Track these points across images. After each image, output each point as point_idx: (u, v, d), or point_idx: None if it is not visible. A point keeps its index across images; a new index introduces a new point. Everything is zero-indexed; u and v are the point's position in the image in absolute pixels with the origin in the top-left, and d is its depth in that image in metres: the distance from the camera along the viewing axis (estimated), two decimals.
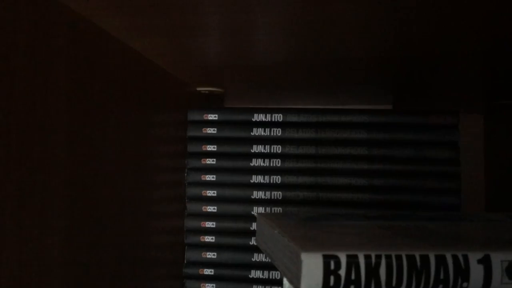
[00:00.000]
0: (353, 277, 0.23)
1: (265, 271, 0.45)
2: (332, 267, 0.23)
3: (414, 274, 0.24)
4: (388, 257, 0.24)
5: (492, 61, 0.34)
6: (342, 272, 0.23)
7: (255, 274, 0.45)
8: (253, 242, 0.45)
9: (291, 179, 0.45)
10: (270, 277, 0.44)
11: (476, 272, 0.24)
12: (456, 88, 0.45)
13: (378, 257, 0.24)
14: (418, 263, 0.24)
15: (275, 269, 0.44)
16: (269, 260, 0.45)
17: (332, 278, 0.23)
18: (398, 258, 0.24)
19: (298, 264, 0.24)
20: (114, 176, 0.30)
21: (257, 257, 0.45)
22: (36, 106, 0.22)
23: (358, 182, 0.44)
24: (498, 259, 0.24)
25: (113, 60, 0.29)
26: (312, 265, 0.23)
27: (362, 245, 0.25)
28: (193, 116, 0.47)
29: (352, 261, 0.24)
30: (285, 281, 0.29)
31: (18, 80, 0.21)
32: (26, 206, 0.21)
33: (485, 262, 0.24)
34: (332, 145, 0.44)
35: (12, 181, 0.20)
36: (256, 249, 0.45)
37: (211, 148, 0.46)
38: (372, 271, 0.23)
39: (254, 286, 0.45)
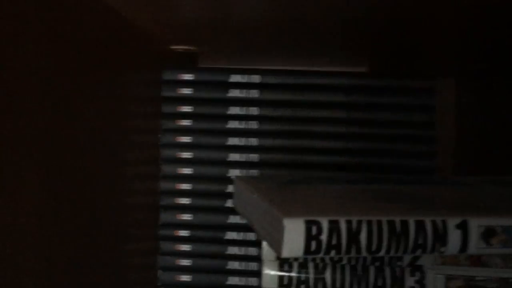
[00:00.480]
0: (334, 242, 0.23)
1: (240, 233, 0.45)
2: (314, 232, 0.23)
3: (394, 239, 0.24)
4: (369, 223, 0.24)
5: (464, 26, 0.34)
6: (324, 237, 0.23)
7: (231, 235, 0.45)
8: (228, 204, 0.45)
9: (268, 141, 0.44)
10: (246, 239, 0.45)
11: (454, 237, 0.24)
12: (429, 52, 0.45)
13: (359, 222, 0.24)
14: (398, 228, 0.24)
15: (250, 230, 0.45)
16: (246, 222, 0.45)
17: (313, 243, 0.23)
18: (379, 223, 0.24)
19: (280, 229, 0.24)
20: (87, 137, 0.28)
21: (233, 219, 0.45)
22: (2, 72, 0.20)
23: (336, 145, 0.44)
24: (475, 224, 0.24)
25: (83, 15, 0.28)
26: (294, 231, 0.23)
27: (343, 210, 0.25)
28: (168, 76, 0.45)
29: (334, 226, 0.24)
30: (264, 244, 0.29)
31: None
32: None
33: (463, 227, 0.24)
34: (310, 108, 0.44)
35: None
36: (231, 211, 0.45)
37: (186, 109, 0.45)
38: (353, 236, 0.24)
39: (229, 247, 0.45)
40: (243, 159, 0.45)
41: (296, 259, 0.29)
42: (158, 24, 0.38)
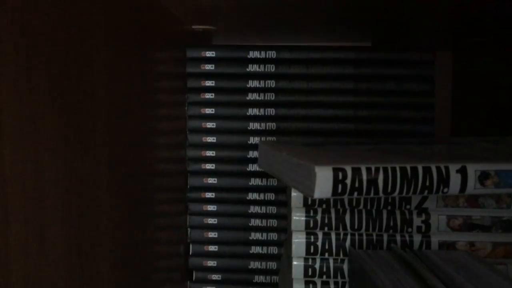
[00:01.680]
0: (356, 185, 0.28)
1: (261, 193, 0.50)
2: (340, 177, 0.28)
3: (406, 182, 0.29)
4: (385, 169, 0.29)
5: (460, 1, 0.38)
6: (348, 181, 0.28)
7: (252, 196, 0.50)
8: (250, 168, 0.50)
9: (284, 111, 0.49)
10: (266, 199, 0.50)
11: (455, 180, 0.29)
12: (428, 27, 0.50)
13: (377, 169, 0.29)
14: (409, 174, 0.29)
15: (270, 191, 0.50)
16: (265, 184, 0.50)
17: (340, 186, 0.28)
18: (393, 169, 0.29)
19: (312, 177, 0.28)
20: (124, 111, 0.33)
21: (254, 182, 0.50)
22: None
23: (345, 113, 0.49)
24: (472, 169, 0.29)
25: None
26: (324, 177, 0.28)
27: (362, 161, 0.30)
28: (192, 53, 0.50)
29: (356, 172, 0.28)
30: (293, 192, 0.33)
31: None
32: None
33: (462, 171, 0.29)
34: (321, 80, 0.49)
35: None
36: (253, 175, 0.50)
37: (209, 83, 0.50)
38: (372, 180, 0.28)
39: (251, 206, 0.50)
40: (262, 128, 0.49)
41: (320, 205, 0.34)
42: (182, 6, 0.42)
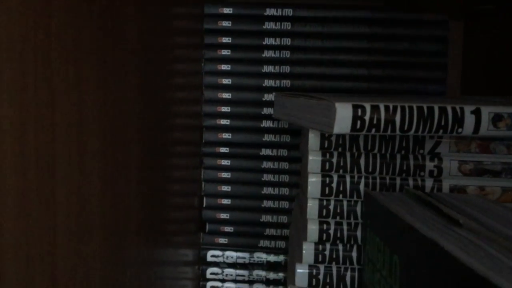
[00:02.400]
0: (375, 122, 0.30)
1: (274, 149, 0.51)
2: (359, 114, 0.29)
3: (422, 120, 0.30)
4: (403, 107, 0.30)
5: None
6: (367, 117, 0.29)
7: (265, 151, 0.51)
8: (263, 124, 0.51)
9: (299, 69, 0.50)
10: (278, 154, 0.51)
11: (469, 120, 0.30)
12: None
13: (395, 107, 0.30)
14: (425, 112, 0.30)
15: (282, 147, 0.51)
16: (278, 140, 0.51)
17: (358, 122, 0.29)
18: (410, 108, 0.30)
19: (331, 113, 0.30)
20: (142, 66, 0.33)
21: (267, 138, 0.51)
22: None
23: (359, 72, 0.49)
24: (486, 111, 0.30)
25: None
26: (343, 113, 0.29)
27: (380, 101, 0.31)
28: (209, 10, 0.50)
29: (375, 109, 0.30)
30: (310, 133, 0.35)
31: None
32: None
33: (477, 113, 0.30)
34: (336, 39, 0.50)
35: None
36: (266, 131, 0.51)
37: (226, 40, 0.50)
38: (390, 117, 0.30)
39: (264, 162, 0.51)
40: (277, 85, 0.50)
41: (336, 148, 0.35)
42: None
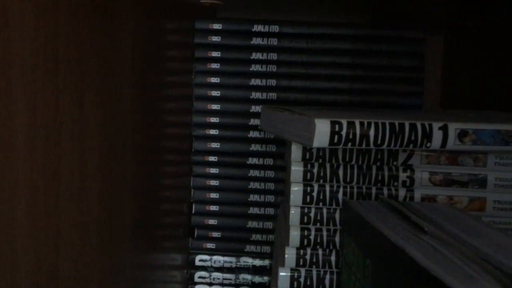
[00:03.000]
0: (350, 136, 0.32)
1: (260, 158, 0.53)
2: (337, 129, 0.32)
3: (394, 136, 0.33)
4: (376, 124, 0.32)
5: None
6: (343, 133, 0.32)
7: (252, 160, 0.54)
8: (251, 135, 0.53)
9: (285, 82, 0.53)
10: (265, 163, 0.53)
11: (437, 136, 0.33)
12: (420, 10, 0.53)
13: (369, 123, 0.32)
14: (397, 128, 0.33)
15: (269, 156, 0.53)
16: (264, 150, 0.53)
17: (336, 137, 0.32)
18: (383, 124, 0.33)
19: (311, 128, 0.32)
20: (134, 74, 0.35)
21: (254, 147, 0.53)
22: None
23: (341, 85, 0.52)
24: (453, 127, 0.33)
25: None
26: (322, 128, 0.32)
27: (356, 117, 0.34)
28: (200, 25, 0.53)
29: (351, 125, 0.32)
30: (293, 146, 0.37)
31: None
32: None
33: (444, 129, 0.33)
34: (320, 54, 0.52)
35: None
36: (253, 141, 0.53)
37: (215, 54, 0.53)
38: (364, 132, 0.32)
39: (251, 170, 0.54)
40: (263, 97, 0.53)
41: (316, 159, 0.37)
42: None
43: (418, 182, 0.37)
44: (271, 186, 0.54)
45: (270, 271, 0.54)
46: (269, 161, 0.54)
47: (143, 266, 0.39)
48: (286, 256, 0.38)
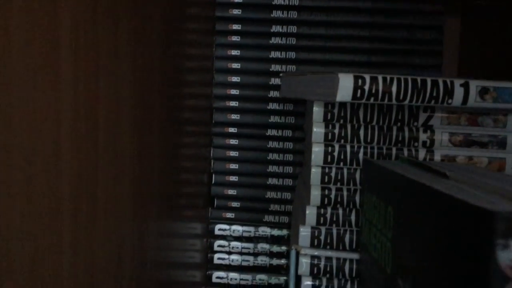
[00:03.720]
0: (373, 91, 0.33)
1: (279, 130, 0.54)
2: (359, 83, 0.33)
3: (416, 91, 0.33)
4: (399, 79, 0.33)
5: None
6: (366, 87, 0.33)
7: (271, 132, 0.54)
8: (270, 106, 0.54)
9: (304, 55, 0.54)
10: (283, 135, 0.54)
11: (458, 92, 0.34)
12: None
13: (392, 79, 0.33)
14: (419, 84, 0.33)
15: (287, 128, 0.54)
16: (283, 121, 0.54)
17: (359, 91, 0.33)
18: (405, 80, 0.33)
19: (335, 83, 0.33)
20: (162, 47, 0.37)
21: (273, 119, 0.54)
22: None
23: (360, 58, 0.53)
24: (474, 84, 0.34)
25: None
26: (345, 82, 0.33)
27: (379, 73, 0.34)
28: None
29: (373, 80, 0.33)
30: (315, 107, 0.38)
31: None
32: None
33: (465, 86, 0.34)
34: (340, 27, 0.53)
35: None
36: (273, 112, 0.54)
37: (236, 27, 0.54)
38: (387, 88, 0.33)
39: (270, 141, 0.54)
40: (283, 70, 0.54)
41: (338, 120, 0.38)
42: None
43: (438, 143, 0.38)
44: (289, 157, 0.55)
45: (288, 241, 0.55)
46: (288, 133, 0.54)
47: (166, 235, 0.40)
48: (307, 214, 0.39)
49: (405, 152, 0.38)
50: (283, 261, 0.55)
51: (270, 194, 0.55)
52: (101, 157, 0.25)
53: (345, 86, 0.33)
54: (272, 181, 0.55)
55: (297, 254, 0.39)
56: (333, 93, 0.33)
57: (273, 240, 0.55)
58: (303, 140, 0.54)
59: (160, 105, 0.36)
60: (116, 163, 0.27)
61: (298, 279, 0.40)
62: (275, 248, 0.55)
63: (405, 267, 0.27)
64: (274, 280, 0.54)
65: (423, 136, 0.38)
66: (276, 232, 0.55)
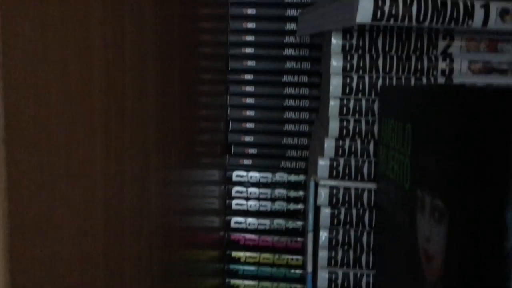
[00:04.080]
0: (393, 12, 0.33)
1: (295, 76, 0.54)
2: (380, 4, 0.33)
3: (436, 12, 0.33)
4: (419, 0, 0.33)
5: None
6: (386, 8, 0.33)
7: (287, 78, 0.55)
8: (286, 52, 0.54)
9: None
10: (299, 81, 0.54)
11: (479, 13, 0.33)
12: None
13: (412, 0, 0.33)
14: (439, 5, 0.33)
15: (303, 73, 0.54)
16: (299, 67, 0.54)
17: (379, 13, 0.33)
18: (426, 1, 0.33)
19: (354, 6, 0.33)
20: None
21: (289, 65, 0.54)
22: None
23: None
24: (495, 6, 0.34)
25: None
26: (365, 4, 0.33)
27: None
28: None
29: (393, 2, 0.33)
30: (333, 38, 0.38)
31: None
32: None
33: (486, 7, 0.33)
34: None
35: None
36: (288, 58, 0.54)
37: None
38: (407, 9, 0.33)
39: (285, 88, 0.55)
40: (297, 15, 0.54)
41: (356, 50, 0.38)
42: None
43: (457, 71, 0.38)
44: (305, 103, 0.55)
45: (305, 186, 0.55)
46: (304, 78, 0.55)
47: (185, 182, 0.41)
48: (325, 146, 0.39)
49: (424, 81, 0.38)
50: (300, 206, 0.55)
51: (286, 140, 0.55)
52: (128, 98, 0.25)
53: (364, 8, 0.33)
54: (288, 127, 0.55)
55: (316, 185, 0.40)
56: (352, 16, 0.33)
57: (290, 185, 0.55)
58: (319, 85, 0.54)
59: (180, 54, 0.36)
60: (141, 111, 0.28)
61: (317, 210, 0.40)
62: (292, 193, 0.55)
63: (424, 176, 0.27)
64: (291, 224, 0.55)
65: (442, 65, 0.38)
66: (293, 177, 0.55)
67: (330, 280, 0.39)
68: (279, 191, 0.55)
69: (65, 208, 0.19)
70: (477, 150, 0.21)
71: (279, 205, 0.55)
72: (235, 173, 0.56)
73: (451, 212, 0.23)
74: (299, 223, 0.55)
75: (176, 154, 0.36)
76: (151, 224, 0.31)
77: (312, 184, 0.40)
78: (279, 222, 0.55)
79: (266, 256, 0.56)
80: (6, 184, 0.15)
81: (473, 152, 0.21)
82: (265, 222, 0.55)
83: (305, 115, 0.55)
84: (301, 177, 0.55)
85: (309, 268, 0.41)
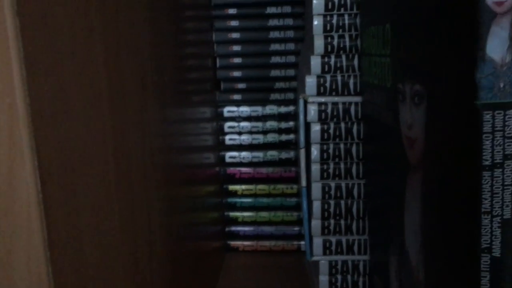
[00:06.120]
0: None
1: (278, 7, 0.55)
2: None
3: None
4: None
5: None
6: None
7: (270, 10, 0.55)
8: None
9: None
10: (283, 12, 0.55)
11: None
12: None
13: None
14: None
15: (286, 3, 0.55)
16: None
17: None
18: None
19: None
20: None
21: None
22: None
23: None
24: None
25: None
26: None
27: None
28: None
29: None
30: None
31: None
32: None
33: None
34: None
35: None
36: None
37: None
38: None
39: (269, 20, 0.55)
40: None
41: None
42: None
43: None
44: (290, 34, 0.55)
45: (295, 116, 0.57)
46: (287, 9, 0.55)
47: (178, 121, 0.42)
48: (311, 64, 0.40)
49: None
50: (291, 136, 0.57)
51: (274, 73, 0.56)
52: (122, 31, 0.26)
53: None
54: (275, 59, 0.56)
55: (305, 103, 0.41)
56: None
57: (280, 117, 0.57)
58: (303, 14, 0.55)
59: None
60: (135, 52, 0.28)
61: (308, 127, 0.42)
62: (283, 125, 0.57)
63: (403, 68, 0.28)
64: (284, 155, 0.57)
65: None
66: (283, 109, 0.57)
67: (324, 191, 0.41)
68: (271, 124, 0.57)
69: (82, 156, 0.20)
70: (448, 30, 0.22)
71: (271, 137, 0.57)
72: (226, 109, 0.57)
73: (429, 91, 0.25)
74: (292, 153, 0.57)
75: (170, 93, 0.38)
76: (155, 164, 0.32)
77: (301, 102, 0.41)
78: (272, 153, 0.57)
79: (262, 187, 0.57)
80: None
81: (445, 34, 0.23)
82: (259, 155, 0.57)
83: (291, 45, 0.56)
84: (291, 108, 0.57)
85: (303, 182, 0.42)
